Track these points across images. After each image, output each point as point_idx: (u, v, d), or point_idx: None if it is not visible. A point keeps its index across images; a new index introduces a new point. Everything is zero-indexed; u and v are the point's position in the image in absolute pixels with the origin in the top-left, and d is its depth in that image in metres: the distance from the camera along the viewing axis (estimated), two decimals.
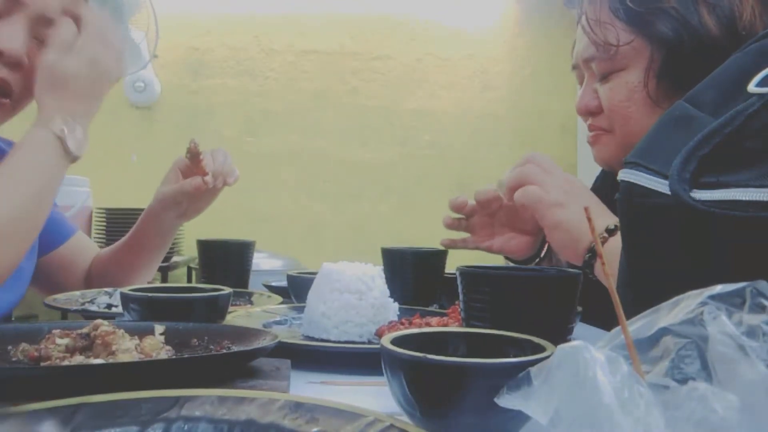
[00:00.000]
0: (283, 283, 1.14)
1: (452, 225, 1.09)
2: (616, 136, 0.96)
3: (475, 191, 1.02)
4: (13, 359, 0.60)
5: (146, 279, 1.21)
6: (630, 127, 0.93)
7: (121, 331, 0.61)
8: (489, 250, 1.05)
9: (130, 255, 1.15)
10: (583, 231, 0.85)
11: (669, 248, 0.49)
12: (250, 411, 0.42)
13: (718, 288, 0.31)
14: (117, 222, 2.13)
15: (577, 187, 0.89)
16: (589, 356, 0.28)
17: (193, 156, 1.05)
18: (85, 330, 0.61)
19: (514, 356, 0.48)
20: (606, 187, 0.99)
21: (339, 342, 0.77)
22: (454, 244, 1.08)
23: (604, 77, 0.96)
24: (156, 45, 2.32)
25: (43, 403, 0.41)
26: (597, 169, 1.12)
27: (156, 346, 0.62)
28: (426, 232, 2.88)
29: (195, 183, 1.06)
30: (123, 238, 1.17)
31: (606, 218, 0.83)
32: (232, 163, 1.11)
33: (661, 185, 0.49)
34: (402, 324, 0.79)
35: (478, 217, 1.05)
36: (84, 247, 1.21)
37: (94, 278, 1.18)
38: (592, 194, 0.91)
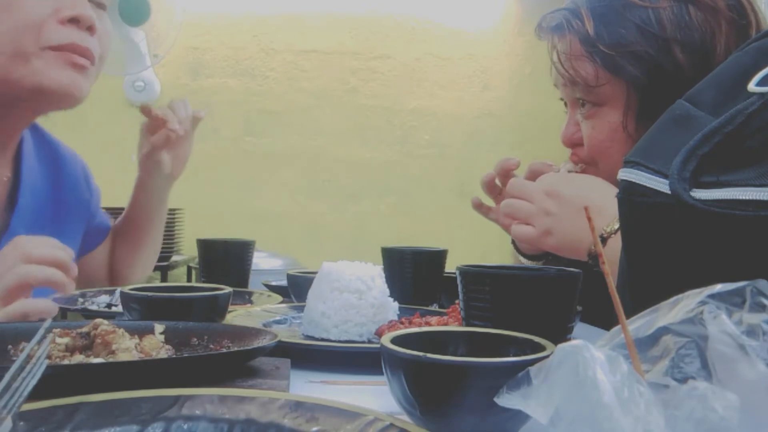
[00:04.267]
0: (283, 282, 1.14)
1: (488, 187, 1.06)
2: (601, 171, 0.95)
3: (532, 163, 1.02)
4: (13, 358, 0.60)
5: (151, 257, 1.24)
6: (613, 163, 0.92)
7: (121, 330, 0.61)
8: (506, 229, 1.04)
9: (132, 227, 1.19)
10: (578, 242, 0.85)
11: (669, 247, 0.49)
12: (250, 410, 0.42)
13: (718, 287, 0.31)
14: None
15: (563, 199, 0.87)
16: (589, 355, 0.28)
17: (146, 112, 1.08)
18: (84, 329, 0.61)
19: (514, 355, 0.48)
20: None
21: (339, 341, 0.77)
22: (480, 209, 1.07)
23: (586, 110, 0.96)
24: (173, 44, 2.34)
25: (42, 402, 0.41)
26: None
27: (156, 345, 0.62)
28: (426, 232, 2.89)
29: (162, 135, 1.08)
30: (123, 213, 1.20)
31: (606, 215, 0.83)
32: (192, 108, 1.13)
33: (661, 184, 0.49)
34: (402, 323, 0.79)
35: None
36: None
37: (107, 257, 1.22)
38: (582, 193, 0.88)
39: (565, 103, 1.04)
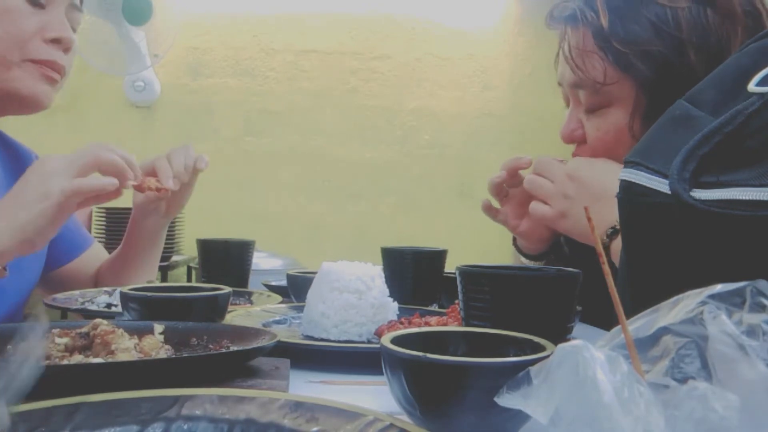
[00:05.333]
0: (283, 282, 1.14)
1: (495, 188, 1.05)
2: None
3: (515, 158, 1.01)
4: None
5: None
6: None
7: (120, 330, 0.61)
8: (513, 229, 1.04)
9: (126, 263, 1.16)
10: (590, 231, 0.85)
11: (669, 247, 0.49)
12: (250, 410, 0.42)
13: (718, 287, 0.31)
14: (117, 222, 2.12)
15: (583, 183, 0.88)
16: (589, 355, 0.28)
17: (141, 190, 1.02)
18: (84, 329, 0.61)
19: (514, 355, 0.48)
20: None
21: (338, 341, 0.77)
22: (489, 211, 1.07)
23: (590, 109, 0.95)
24: (173, 44, 2.34)
25: (42, 402, 0.41)
26: None
27: (155, 345, 0.62)
28: (426, 232, 2.89)
29: (154, 195, 1.06)
30: (118, 247, 1.17)
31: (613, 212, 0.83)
32: (193, 152, 1.08)
33: (661, 184, 0.49)
34: (401, 323, 0.79)
35: (519, 191, 1.02)
36: (96, 258, 1.22)
37: (98, 286, 1.19)
38: (603, 180, 0.86)
39: (567, 102, 1.03)
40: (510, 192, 1.04)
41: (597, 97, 0.93)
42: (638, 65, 0.88)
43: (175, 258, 2.45)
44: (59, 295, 0.99)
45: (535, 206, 0.93)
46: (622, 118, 0.91)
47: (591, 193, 0.86)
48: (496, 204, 1.07)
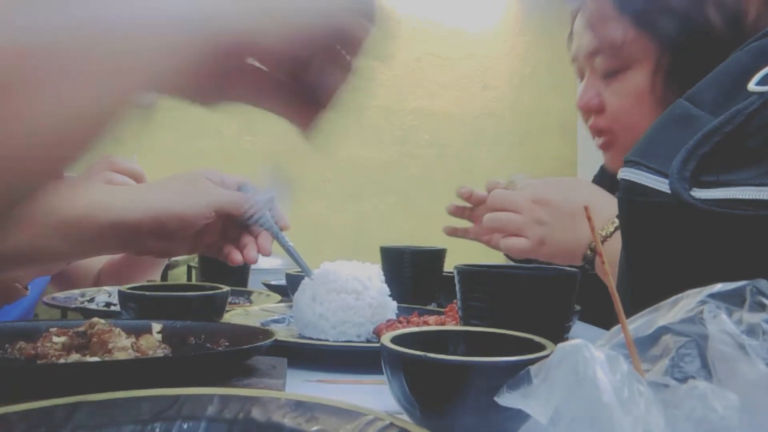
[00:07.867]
0: (283, 281, 1.13)
1: (456, 212, 1.07)
2: (619, 143, 0.93)
3: (487, 181, 1.00)
4: (10, 357, 0.60)
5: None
6: (635, 134, 0.91)
7: (118, 329, 0.61)
8: (488, 244, 1.03)
9: (128, 269, 1.17)
10: (573, 247, 0.84)
11: (669, 247, 0.49)
12: (250, 410, 0.42)
13: (718, 286, 0.31)
14: None
15: (553, 205, 0.86)
16: (589, 355, 0.28)
17: None
18: (81, 328, 0.61)
19: (514, 355, 0.48)
20: (604, 185, 0.98)
21: (336, 341, 0.77)
22: (455, 233, 1.06)
23: (609, 75, 0.94)
24: None
25: (42, 402, 0.41)
26: (598, 168, 1.11)
27: (152, 344, 0.62)
28: (425, 231, 2.88)
29: None
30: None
31: (597, 218, 0.82)
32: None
33: (661, 184, 0.49)
34: (399, 322, 0.79)
35: (484, 207, 1.00)
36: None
37: (100, 283, 1.19)
38: (571, 198, 0.86)
39: (581, 76, 1.00)
40: (476, 210, 1.04)
41: (616, 61, 0.91)
42: (658, 22, 0.87)
43: (175, 257, 2.45)
44: (59, 294, 0.99)
45: (508, 242, 0.89)
46: (643, 81, 0.90)
47: (563, 212, 0.84)
48: (464, 223, 1.07)
